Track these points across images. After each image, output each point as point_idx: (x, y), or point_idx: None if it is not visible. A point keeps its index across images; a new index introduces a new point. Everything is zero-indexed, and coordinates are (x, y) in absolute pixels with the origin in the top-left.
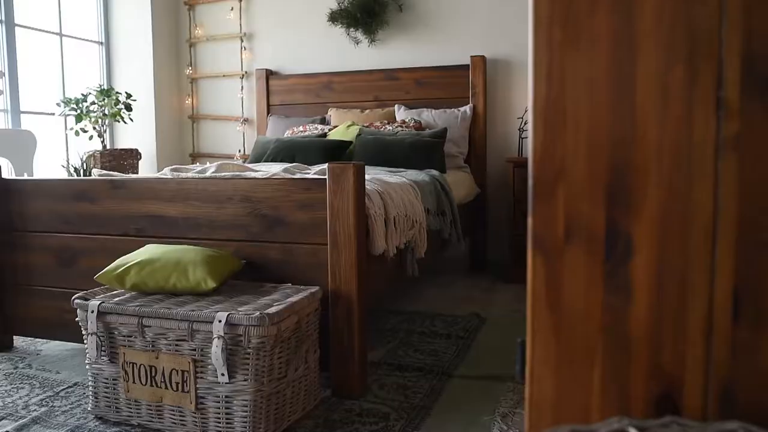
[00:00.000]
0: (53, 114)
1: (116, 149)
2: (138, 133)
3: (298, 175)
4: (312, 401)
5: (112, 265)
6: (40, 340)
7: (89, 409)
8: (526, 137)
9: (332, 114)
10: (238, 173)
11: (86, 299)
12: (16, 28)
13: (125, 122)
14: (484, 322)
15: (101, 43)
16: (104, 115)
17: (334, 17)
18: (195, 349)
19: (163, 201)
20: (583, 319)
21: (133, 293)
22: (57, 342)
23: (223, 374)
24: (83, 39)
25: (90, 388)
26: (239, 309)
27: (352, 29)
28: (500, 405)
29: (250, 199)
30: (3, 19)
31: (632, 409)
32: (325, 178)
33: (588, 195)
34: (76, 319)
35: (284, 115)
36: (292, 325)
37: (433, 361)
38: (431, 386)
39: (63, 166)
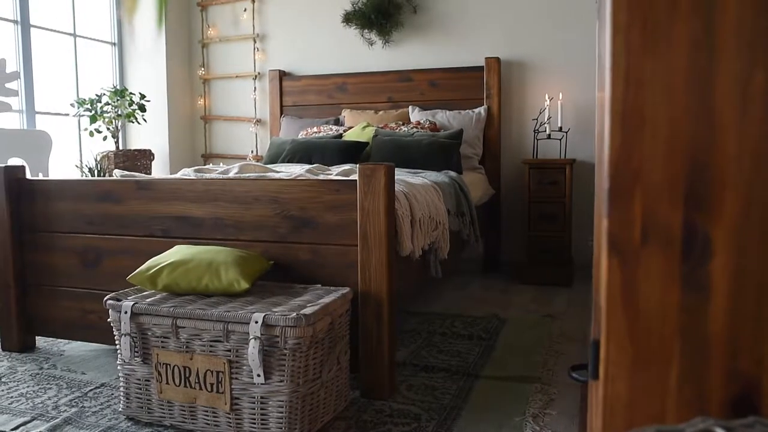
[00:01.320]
0: (67, 115)
1: (130, 150)
2: (150, 133)
3: (321, 176)
4: (342, 402)
5: (144, 266)
6: (62, 340)
7: (120, 409)
8: (542, 138)
9: (346, 115)
10: (261, 174)
11: (118, 300)
12: (31, 29)
13: (139, 123)
14: (504, 323)
15: (114, 43)
16: (118, 115)
17: (348, 18)
18: (230, 350)
19: (189, 202)
20: (659, 320)
21: (164, 294)
22: (79, 342)
23: (259, 375)
24: (96, 39)
25: (121, 389)
26: (274, 310)
27: (366, 30)
28: (530, 406)
29: (278, 200)
30: (18, 19)
31: (709, 410)
32: (352, 179)
33: (666, 197)
34: (108, 319)
35: (297, 116)
36: (326, 326)
37: (458, 362)
38: (459, 387)
39: (77, 166)
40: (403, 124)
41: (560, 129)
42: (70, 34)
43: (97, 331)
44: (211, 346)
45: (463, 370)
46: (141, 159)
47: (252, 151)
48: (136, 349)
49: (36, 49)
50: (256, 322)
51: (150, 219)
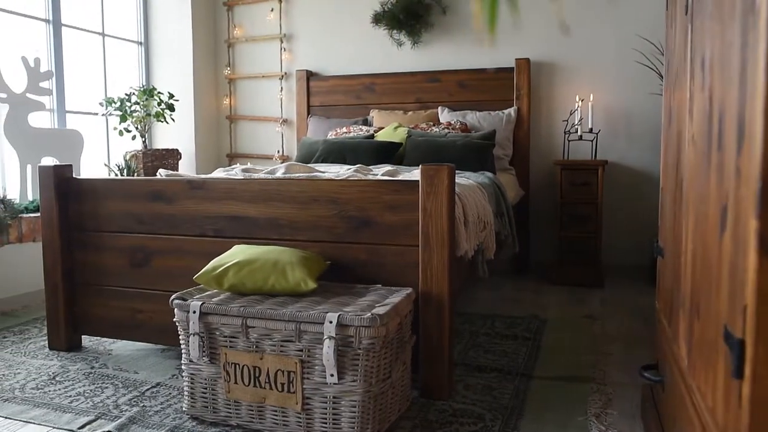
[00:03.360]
0: (96, 114)
1: (158, 149)
2: (176, 133)
3: (369, 176)
4: (405, 402)
5: (209, 266)
6: (107, 339)
7: (184, 409)
8: (573, 140)
9: (374, 115)
10: (311, 174)
11: (184, 299)
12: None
13: (167, 122)
14: (545, 323)
15: (140, 43)
16: (148, 115)
17: (378, 19)
18: (302, 350)
19: (243, 202)
20: None
21: (227, 294)
22: (125, 342)
23: (332, 375)
24: (123, 39)
25: (185, 389)
26: (346, 310)
27: (395, 31)
28: (590, 406)
29: (336, 201)
30: (50, 18)
31: None
32: (414, 180)
33: None
34: (174, 319)
35: (324, 116)
36: (396, 326)
37: (508, 362)
38: (515, 387)
39: (106, 165)
40: (433, 125)
41: (590, 130)
42: (99, 33)
43: (146, 330)
44: (282, 345)
45: (515, 370)
46: (169, 158)
47: (278, 151)
48: (203, 349)
49: (65, 47)
50: (331, 322)
51: (203, 219)
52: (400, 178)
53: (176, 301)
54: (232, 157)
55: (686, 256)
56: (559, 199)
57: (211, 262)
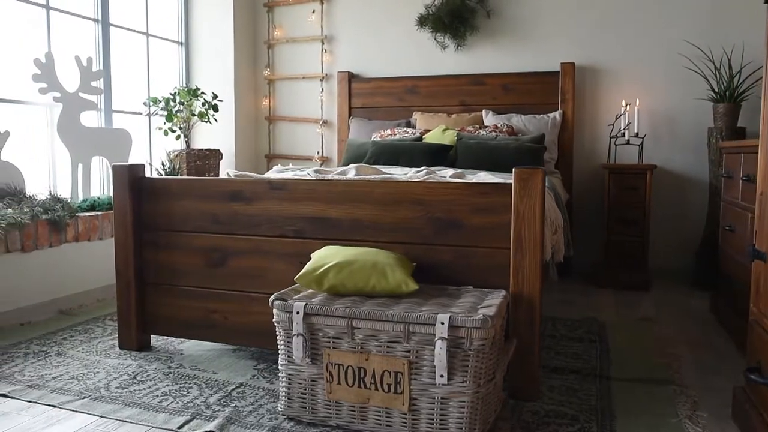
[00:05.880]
0: (140, 114)
1: (201, 149)
2: (215, 133)
3: (439, 178)
4: (499, 404)
5: (309, 266)
6: (175, 339)
7: (280, 409)
8: (621, 144)
9: (417, 118)
10: (386, 176)
11: (285, 300)
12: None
13: (210, 122)
14: (604, 326)
15: (181, 43)
16: (192, 114)
17: (422, 21)
18: (410, 351)
19: (324, 202)
20: None
21: (325, 295)
22: (193, 342)
23: (442, 376)
24: (164, 39)
25: (282, 389)
26: (452, 311)
27: (439, 34)
28: (679, 408)
29: (422, 203)
30: (99, 18)
31: None
32: (506, 183)
33: None
34: (274, 320)
35: (366, 117)
36: (500, 327)
37: (583, 364)
38: (598, 389)
39: (149, 164)
40: (480, 128)
41: (636, 135)
42: (143, 33)
43: (221, 330)
44: (388, 346)
45: (592, 372)
46: (211, 158)
47: (318, 152)
48: (306, 350)
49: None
50: (443, 324)
51: (283, 219)
52: (471, 180)
53: (277, 302)
54: (271, 158)
55: None
56: (606, 203)
57: (309, 263)
